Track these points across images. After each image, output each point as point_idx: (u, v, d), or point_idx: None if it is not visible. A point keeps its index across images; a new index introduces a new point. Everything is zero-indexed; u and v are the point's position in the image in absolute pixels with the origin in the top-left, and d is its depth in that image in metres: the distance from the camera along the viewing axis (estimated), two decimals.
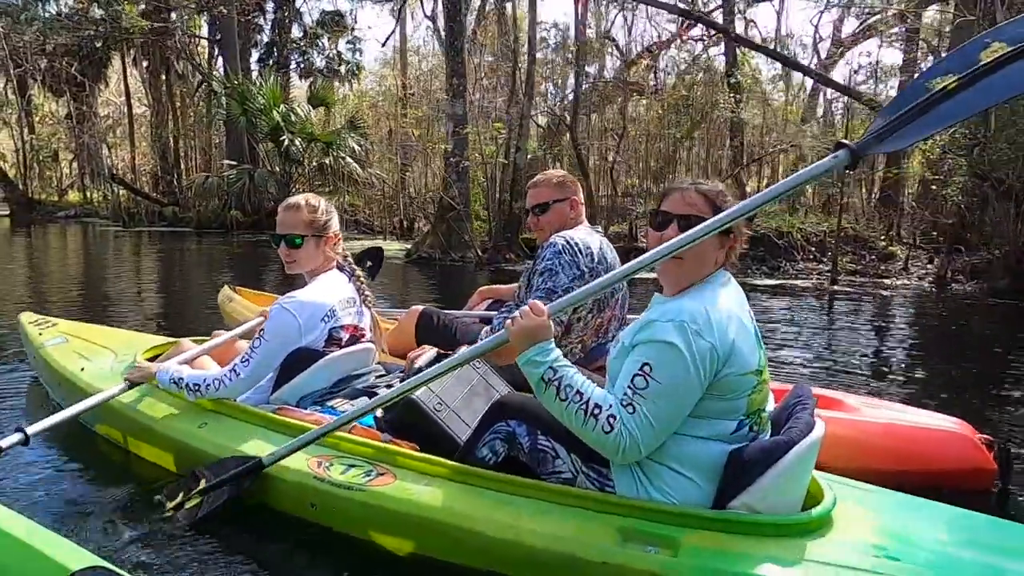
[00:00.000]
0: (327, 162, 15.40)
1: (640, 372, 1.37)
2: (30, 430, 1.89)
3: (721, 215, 1.40)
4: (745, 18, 17.97)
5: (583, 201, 2.42)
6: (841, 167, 1.36)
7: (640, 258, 1.47)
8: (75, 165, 26.54)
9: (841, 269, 7.82)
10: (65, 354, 2.62)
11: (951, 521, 1.58)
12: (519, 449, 1.62)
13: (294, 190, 16.66)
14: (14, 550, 1.21)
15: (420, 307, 2.67)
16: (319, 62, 23.98)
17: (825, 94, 19.69)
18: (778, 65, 15.41)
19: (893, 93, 11.39)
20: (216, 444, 1.92)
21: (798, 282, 7.77)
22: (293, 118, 15.42)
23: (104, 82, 25.70)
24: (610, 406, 1.38)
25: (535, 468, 1.61)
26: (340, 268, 2.23)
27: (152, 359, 2.42)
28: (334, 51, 24.25)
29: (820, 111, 19.04)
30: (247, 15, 19.46)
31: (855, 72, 16.49)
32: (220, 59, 23.04)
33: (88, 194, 24.82)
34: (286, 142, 15.01)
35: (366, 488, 1.67)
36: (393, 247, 11.83)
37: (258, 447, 1.86)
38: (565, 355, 2.40)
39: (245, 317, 3.42)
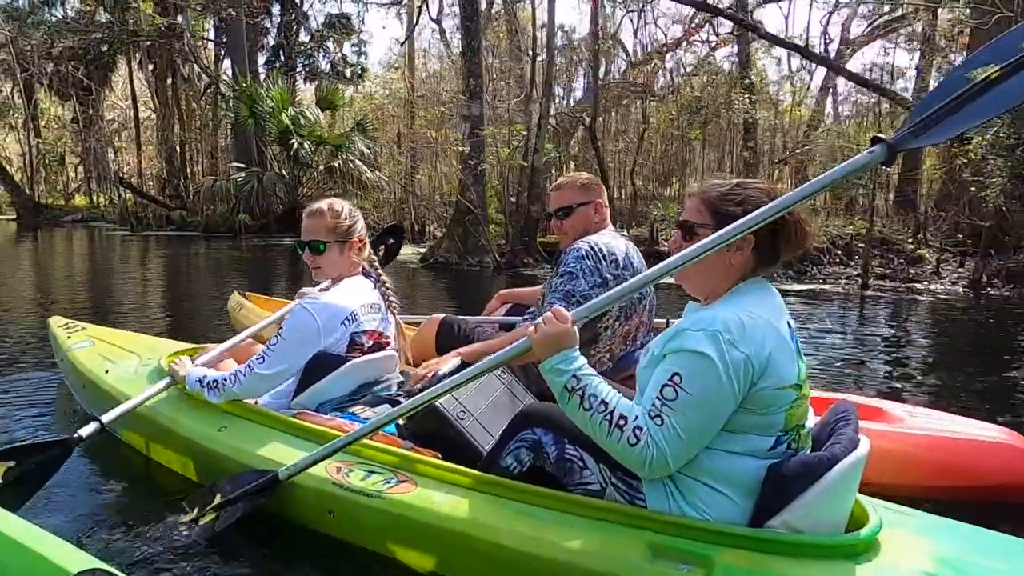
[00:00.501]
0: (336, 165, 15.26)
1: (669, 382, 1.31)
2: (105, 418, 1.93)
3: (740, 222, 1.32)
4: (752, 19, 17.82)
5: (607, 204, 2.36)
6: (877, 163, 1.30)
7: (654, 268, 1.42)
8: (81, 169, 26.55)
9: (870, 273, 7.61)
10: (91, 357, 2.63)
11: (1008, 551, 1.45)
12: (545, 458, 1.56)
13: (302, 193, 16.55)
14: (14, 552, 1.21)
15: (440, 315, 2.61)
16: (324, 65, 23.94)
17: (835, 95, 19.57)
18: (784, 67, 15.29)
19: (906, 95, 11.13)
20: (234, 448, 1.88)
21: (827, 287, 7.56)
22: (302, 121, 15.28)
23: (109, 86, 25.75)
24: (636, 417, 1.33)
25: (561, 479, 1.55)
26: (366, 274, 2.19)
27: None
28: (339, 54, 24.21)
29: (828, 113, 18.93)
30: (255, 18, 19.35)
31: (868, 71, 16.34)
32: (227, 62, 23.19)
33: (94, 198, 24.78)
34: (295, 145, 14.87)
35: (386, 496, 1.62)
36: (406, 251, 11.68)
37: (276, 451, 1.82)
38: (593, 365, 2.26)
39: (252, 324, 3.42)
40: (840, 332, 5.26)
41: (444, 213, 14.11)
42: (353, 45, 24.67)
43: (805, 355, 1.45)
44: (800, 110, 16.42)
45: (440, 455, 1.75)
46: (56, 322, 3.15)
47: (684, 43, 15.80)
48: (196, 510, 1.75)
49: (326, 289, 2.18)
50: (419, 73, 20.49)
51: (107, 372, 2.46)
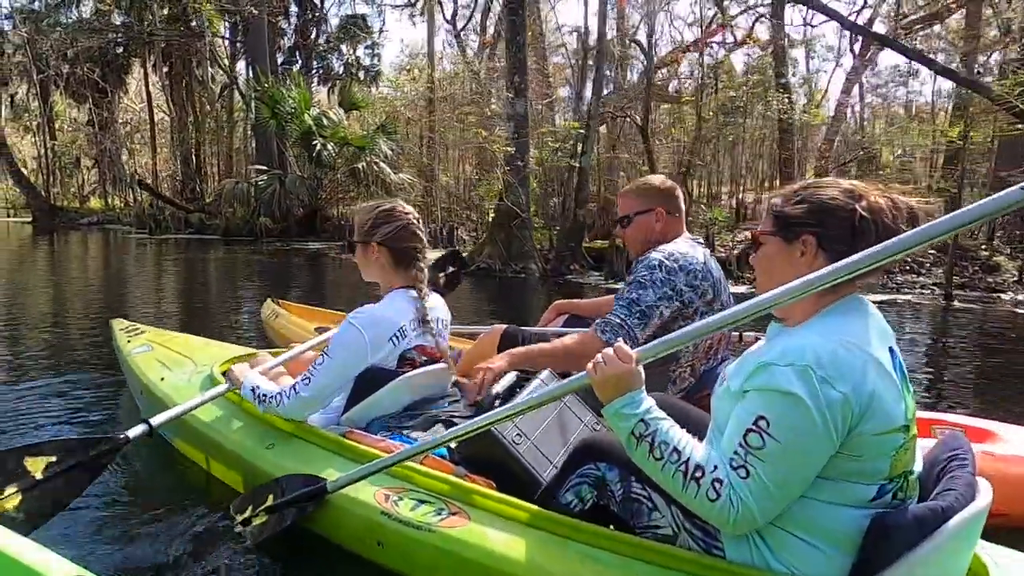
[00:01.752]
0: (360, 167, 14.86)
1: (755, 427, 1.16)
2: (154, 421, 1.91)
3: (869, 252, 1.06)
4: (772, 20, 17.39)
5: (681, 208, 2.19)
6: None
7: (736, 308, 1.21)
8: (96, 171, 26.39)
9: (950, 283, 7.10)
10: (148, 362, 2.65)
11: None
12: (609, 497, 1.43)
13: (322, 196, 16.19)
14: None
15: (502, 325, 2.48)
16: (338, 67, 23.69)
17: (860, 95, 19.01)
18: (801, 69, 14.80)
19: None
20: (281, 467, 1.84)
21: (906, 297, 7.07)
22: (325, 122, 14.90)
23: (124, 88, 25.60)
24: (714, 468, 1.18)
25: (628, 520, 1.42)
26: (415, 285, 2.03)
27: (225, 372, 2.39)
28: (353, 56, 23.97)
29: (850, 117, 18.39)
30: (274, 18, 19.07)
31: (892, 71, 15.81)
32: (240, 63, 23.02)
33: (109, 200, 24.61)
34: (318, 147, 14.49)
35: (436, 529, 1.53)
36: (437, 255, 11.25)
37: (322, 474, 1.75)
38: (675, 382, 2.09)
39: (294, 333, 3.37)
40: (932, 347, 4.90)
41: (472, 216, 13.70)
42: (367, 48, 24.54)
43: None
44: (819, 110, 15.92)
45: (494, 483, 1.65)
46: (117, 324, 3.19)
47: (704, 44, 15.38)
48: (249, 510, 1.69)
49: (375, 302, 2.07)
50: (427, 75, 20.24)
51: (163, 379, 2.46)
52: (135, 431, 1.88)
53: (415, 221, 1.99)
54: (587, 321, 2.46)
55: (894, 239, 1.05)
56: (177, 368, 2.54)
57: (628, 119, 8.58)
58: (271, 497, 1.69)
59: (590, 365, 1.29)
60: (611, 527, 1.43)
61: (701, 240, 2.24)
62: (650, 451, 1.22)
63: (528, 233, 8.18)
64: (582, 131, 7.69)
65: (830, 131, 15.15)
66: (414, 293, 1.99)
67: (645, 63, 9.27)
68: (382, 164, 15.08)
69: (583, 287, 7.71)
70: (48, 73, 22.99)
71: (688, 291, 2.02)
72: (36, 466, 1.65)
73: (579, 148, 7.77)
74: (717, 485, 1.17)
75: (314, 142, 14.48)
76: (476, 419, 1.50)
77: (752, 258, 1.32)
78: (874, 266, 1.06)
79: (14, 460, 1.64)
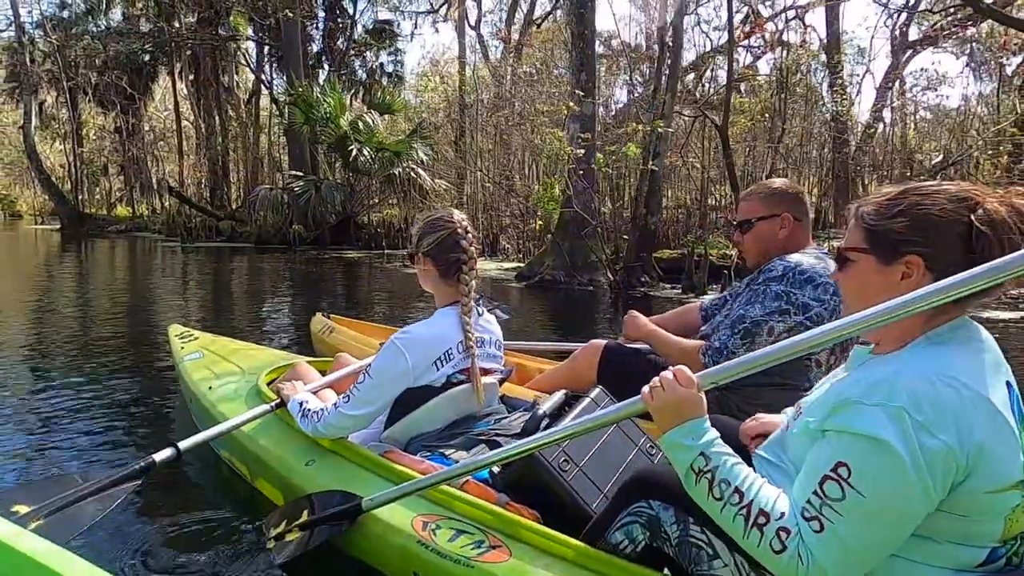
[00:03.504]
0: (396, 173, 14.46)
1: (834, 475, 0.97)
2: (182, 445, 1.89)
3: (975, 271, 0.90)
4: (804, 23, 16.83)
5: (808, 216, 2.06)
6: None
7: (822, 329, 1.03)
8: (122, 179, 26.39)
9: None
10: (198, 369, 2.65)
11: None
12: (664, 539, 1.27)
13: (360, 203, 15.82)
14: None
15: (602, 341, 2.35)
16: (362, 73, 23.51)
17: (902, 96, 18.27)
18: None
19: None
20: (317, 484, 1.80)
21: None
22: (361, 126, 14.52)
23: (150, 96, 25.62)
24: (781, 515, 1.01)
25: (685, 566, 1.25)
26: (464, 302, 1.91)
27: (269, 383, 2.39)
28: (376, 63, 23.82)
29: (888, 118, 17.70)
30: (306, 21, 18.83)
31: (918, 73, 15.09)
32: (269, 68, 22.86)
33: (137, 208, 24.55)
34: (354, 152, 14.11)
35: (475, 564, 1.42)
36: (489, 265, 10.79)
37: (360, 492, 1.67)
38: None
39: (352, 348, 3.31)
40: None
41: (516, 222, 13.19)
42: (390, 54, 24.39)
43: None
44: (853, 112, 15.30)
45: (538, 513, 1.55)
46: (174, 330, 3.20)
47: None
48: (284, 524, 1.66)
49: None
50: (454, 80, 20.01)
51: (210, 389, 2.46)
52: (162, 455, 1.85)
53: (463, 231, 1.87)
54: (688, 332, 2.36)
55: (1019, 252, 0.89)
56: (225, 376, 2.53)
57: (706, 120, 8.02)
58: (305, 513, 1.64)
59: (646, 389, 1.17)
60: (665, 571, 1.30)
61: (827, 251, 2.06)
62: (709, 489, 1.08)
63: (596, 243, 7.64)
64: (666, 128, 7.09)
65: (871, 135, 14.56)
66: (470, 310, 1.90)
67: (730, 61, 8.61)
68: (419, 169, 14.68)
69: (659, 301, 7.15)
70: (77, 80, 23.03)
71: (816, 305, 1.88)
72: (63, 488, 1.65)
73: (652, 149, 7.21)
74: (783, 535, 1.01)
75: (350, 147, 14.11)
76: (519, 442, 1.40)
77: (837, 276, 1.14)
78: (1001, 280, 0.90)
79: (41, 489, 1.65)
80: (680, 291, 7.31)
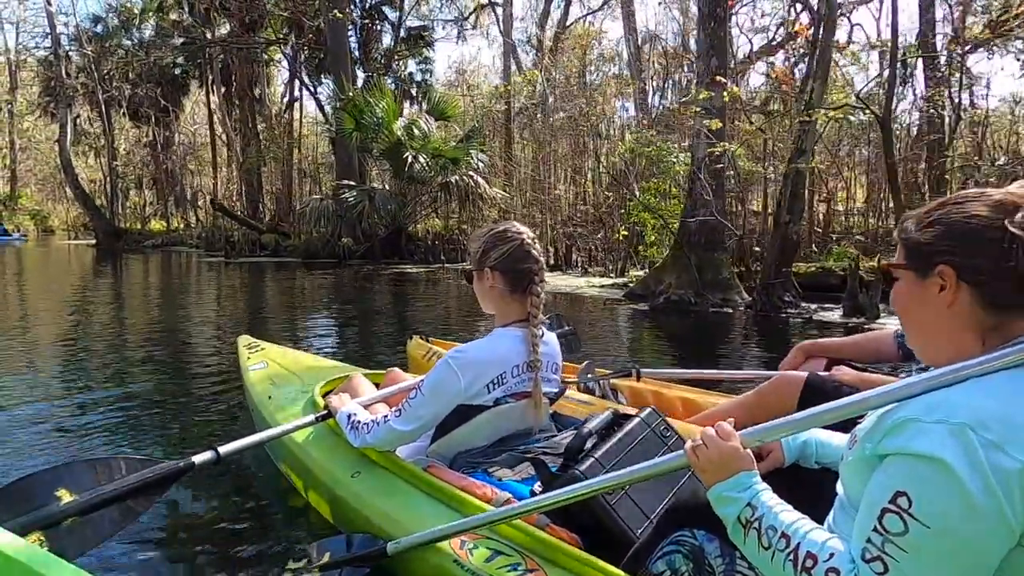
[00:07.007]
0: (453, 180, 13.59)
1: (893, 507, 0.86)
2: (222, 449, 1.88)
3: None
4: (850, 21, 15.77)
5: None
6: None
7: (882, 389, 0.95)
8: (155, 192, 25.99)
9: None
10: (261, 380, 2.70)
11: None
12: (709, 572, 1.19)
13: (407, 213, 14.97)
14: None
15: (802, 373, 2.06)
16: (390, 83, 22.93)
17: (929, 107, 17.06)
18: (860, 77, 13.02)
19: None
20: (361, 498, 1.77)
21: None
22: (416, 132, 13.69)
23: (181, 108, 25.25)
24: (830, 556, 0.92)
25: None
26: (530, 313, 1.79)
27: (325, 394, 2.34)
28: (405, 71, 23.21)
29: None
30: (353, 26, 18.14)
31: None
32: (306, 75, 22.32)
33: (172, 222, 24.04)
34: (409, 159, 13.27)
35: None
36: (579, 282, 9.81)
37: (402, 509, 1.68)
38: None
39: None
40: None
41: (589, 232, 12.20)
42: (419, 62, 23.80)
43: None
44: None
45: (579, 537, 1.46)
46: (243, 341, 3.29)
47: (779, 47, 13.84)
48: (304, 563, 1.64)
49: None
50: (484, 87, 19.25)
51: (270, 398, 2.50)
52: (202, 457, 1.82)
53: (530, 241, 1.80)
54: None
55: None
56: (285, 386, 2.59)
57: (866, 111, 6.94)
58: (327, 555, 1.64)
59: (689, 445, 1.12)
60: None
61: None
62: (759, 539, 1.01)
63: (727, 257, 6.61)
64: (807, 120, 5.88)
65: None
66: (525, 332, 1.80)
67: (893, 53, 7.44)
68: (477, 177, 13.80)
69: (812, 325, 6.07)
70: (111, 93, 22.69)
71: None
72: (101, 478, 1.64)
73: (800, 146, 6.14)
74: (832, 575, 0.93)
75: (405, 154, 13.27)
76: (575, 486, 1.32)
77: (891, 297, 1.04)
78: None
79: (83, 470, 1.64)
80: (842, 313, 6.20)
